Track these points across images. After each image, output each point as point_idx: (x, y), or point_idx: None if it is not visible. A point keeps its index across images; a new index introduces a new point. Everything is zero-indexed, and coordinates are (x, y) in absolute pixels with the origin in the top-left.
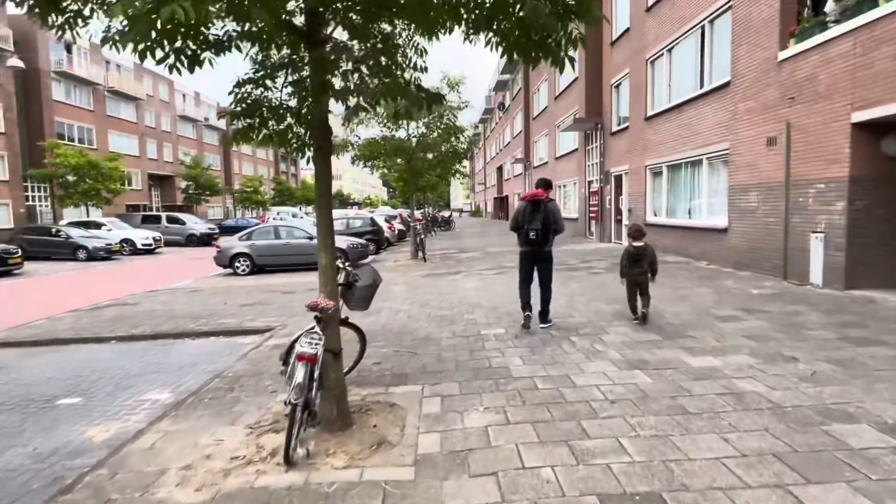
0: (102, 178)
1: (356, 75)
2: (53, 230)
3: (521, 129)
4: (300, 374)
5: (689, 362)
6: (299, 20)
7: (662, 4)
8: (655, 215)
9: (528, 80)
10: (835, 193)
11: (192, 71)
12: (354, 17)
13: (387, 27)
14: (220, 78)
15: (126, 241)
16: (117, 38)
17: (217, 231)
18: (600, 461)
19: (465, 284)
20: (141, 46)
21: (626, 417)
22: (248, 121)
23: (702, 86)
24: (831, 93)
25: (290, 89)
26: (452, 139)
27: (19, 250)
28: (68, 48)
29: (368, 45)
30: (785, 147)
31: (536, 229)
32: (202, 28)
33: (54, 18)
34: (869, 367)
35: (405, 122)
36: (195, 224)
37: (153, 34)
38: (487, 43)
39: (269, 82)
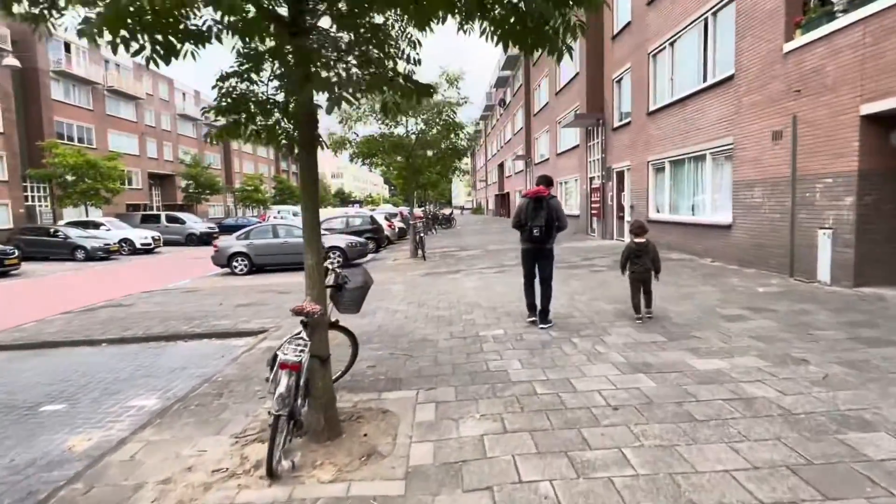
0: (101, 178)
1: (341, 65)
2: (51, 230)
3: (521, 126)
4: (283, 383)
5: (695, 365)
6: (284, 11)
7: None
8: (658, 212)
9: (529, 77)
10: (843, 188)
11: (168, 63)
12: (342, 5)
13: (378, 18)
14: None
15: (125, 240)
16: (84, 27)
17: (217, 230)
18: (602, 474)
19: (465, 283)
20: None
21: (629, 425)
22: (234, 116)
23: (705, 79)
24: (839, 85)
25: (276, 83)
26: (452, 136)
27: (16, 251)
28: (67, 47)
29: (359, 36)
30: (791, 141)
31: (540, 226)
32: (177, 17)
33: (27, 8)
34: (883, 369)
35: (404, 118)
36: (195, 223)
37: (128, 22)
38: (483, 33)
39: (254, 76)
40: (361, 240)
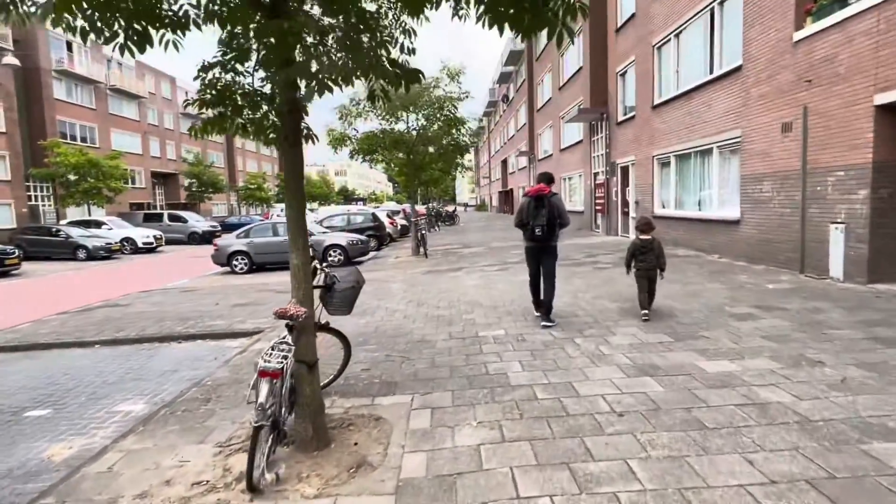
0: (103, 177)
1: (322, 49)
2: (53, 230)
3: (525, 122)
4: (263, 392)
5: (704, 367)
6: None
7: None
8: (664, 207)
9: (532, 72)
10: (856, 181)
11: (142, 51)
12: None
13: (370, 5)
14: None
15: (127, 239)
16: (38, 10)
17: (219, 229)
18: (606, 489)
19: (466, 282)
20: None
21: (635, 434)
22: (220, 109)
23: (711, 71)
24: (852, 74)
25: (262, 73)
26: (454, 132)
27: (17, 250)
28: (69, 46)
29: (348, 22)
30: (801, 133)
31: (542, 225)
32: (150, 1)
33: None
34: None
35: (403, 113)
36: (197, 222)
37: (82, 4)
38: (479, 19)
39: (238, 66)
40: (363, 237)
